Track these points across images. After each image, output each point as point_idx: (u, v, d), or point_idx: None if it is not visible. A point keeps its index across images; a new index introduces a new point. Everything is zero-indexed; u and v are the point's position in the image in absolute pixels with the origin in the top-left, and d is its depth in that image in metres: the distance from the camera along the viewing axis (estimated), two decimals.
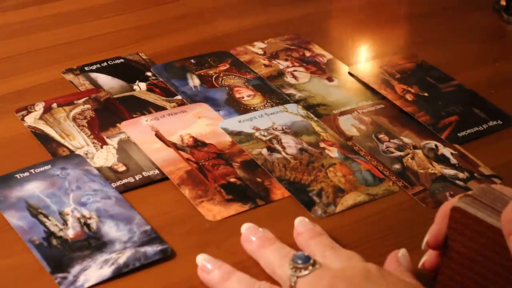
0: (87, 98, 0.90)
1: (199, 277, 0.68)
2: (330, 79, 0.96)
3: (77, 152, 0.82)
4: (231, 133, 0.85)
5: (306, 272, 0.63)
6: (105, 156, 0.81)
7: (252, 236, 0.70)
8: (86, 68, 0.95)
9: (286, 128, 0.87)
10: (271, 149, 0.83)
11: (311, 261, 0.64)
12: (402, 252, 0.67)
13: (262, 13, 1.09)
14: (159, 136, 0.84)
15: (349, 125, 0.88)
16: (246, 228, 0.71)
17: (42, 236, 0.71)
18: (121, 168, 0.80)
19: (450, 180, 0.81)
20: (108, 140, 0.84)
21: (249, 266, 0.69)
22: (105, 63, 0.96)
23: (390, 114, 0.90)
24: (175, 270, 0.70)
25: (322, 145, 0.84)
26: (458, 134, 0.87)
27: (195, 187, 0.78)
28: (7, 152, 0.82)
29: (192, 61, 0.98)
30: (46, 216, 0.73)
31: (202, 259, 0.68)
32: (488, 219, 0.61)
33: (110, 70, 0.95)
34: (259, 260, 0.68)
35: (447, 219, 0.63)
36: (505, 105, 0.92)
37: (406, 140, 0.86)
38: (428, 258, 0.66)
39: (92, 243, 0.71)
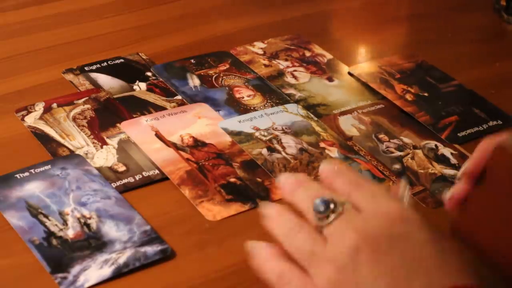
0: (87, 98, 0.90)
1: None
2: (330, 79, 0.96)
3: (77, 152, 0.81)
4: (231, 133, 0.85)
5: (330, 219, 0.59)
6: (105, 156, 0.81)
7: (284, 182, 0.64)
8: (86, 68, 0.95)
9: (286, 128, 0.87)
10: (271, 149, 0.83)
11: (332, 207, 0.59)
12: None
13: (262, 13, 1.09)
14: (159, 136, 0.84)
15: (349, 125, 0.88)
16: (282, 177, 0.65)
17: (42, 236, 0.71)
18: (121, 168, 0.80)
19: (450, 180, 0.81)
20: (108, 140, 0.84)
21: (249, 266, 0.69)
22: (105, 63, 0.96)
23: (390, 114, 0.90)
24: (175, 270, 0.70)
25: (322, 145, 0.84)
26: (458, 134, 0.87)
27: (195, 187, 0.78)
28: (7, 152, 0.82)
29: (192, 61, 0.98)
30: (46, 216, 0.73)
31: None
32: None
33: (110, 70, 0.95)
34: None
35: (487, 153, 0.61)
36: (505, 105, 0.92)
37: (406, 140, 0.86)
38: (456, 189, 0.63)
39: (92, 243, 0.71)
